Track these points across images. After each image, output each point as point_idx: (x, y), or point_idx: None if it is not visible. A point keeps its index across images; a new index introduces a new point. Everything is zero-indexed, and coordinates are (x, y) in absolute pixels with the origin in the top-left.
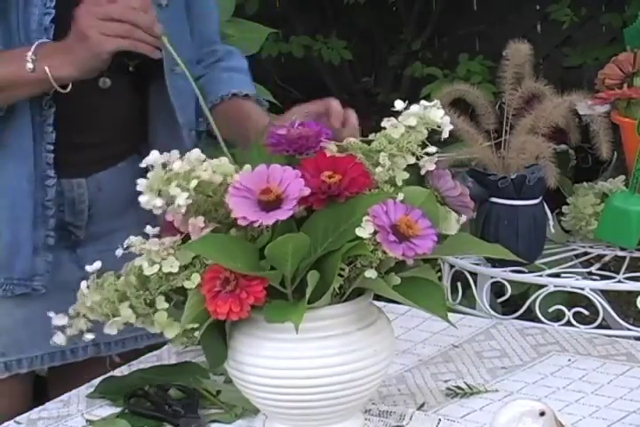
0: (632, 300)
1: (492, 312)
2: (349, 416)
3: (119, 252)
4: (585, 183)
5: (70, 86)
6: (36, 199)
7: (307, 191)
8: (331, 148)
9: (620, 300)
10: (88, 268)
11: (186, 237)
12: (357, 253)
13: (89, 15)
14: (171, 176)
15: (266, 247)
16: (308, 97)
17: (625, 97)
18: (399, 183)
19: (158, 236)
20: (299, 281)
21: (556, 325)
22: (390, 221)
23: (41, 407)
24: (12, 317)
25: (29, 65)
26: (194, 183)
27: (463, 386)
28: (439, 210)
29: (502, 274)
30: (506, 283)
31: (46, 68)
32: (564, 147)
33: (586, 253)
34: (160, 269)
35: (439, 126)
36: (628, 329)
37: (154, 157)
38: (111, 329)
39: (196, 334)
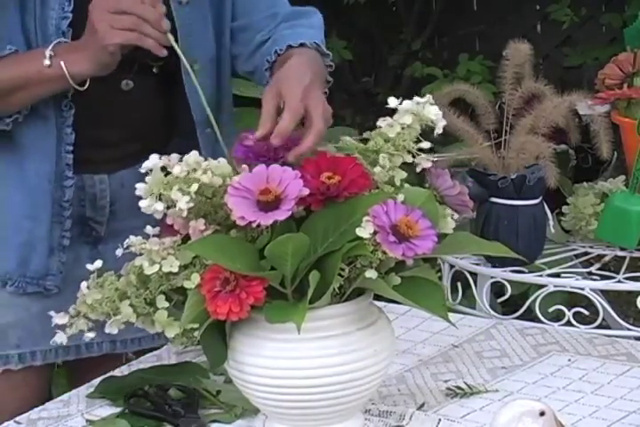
0: (632, 300)
1: (492, 312)
2: (349, 416)
3: (119, 251)
4: (585, 183)
5: (88, 84)
6: (54, 199)
7: (306, 192)
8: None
9: (619, 300)
10: (89, 266)
11: (186, 238)
12: (357, 254)
13: (101, 9)
14: (171, 180)
15: (266, 247)
16: None
17: (625, 97)
18: (397, 183)
19: (158, 236)
20: (298, 281)
21: (556, 325)
22: (390, 222)
23: (41, 407)
24: (28, 310)
25: (46, 61)
26: (194, 187)
27: (463, 386)
28: (438, 209)
29: (502, 274)
30: (506, 283)
31: (62, 64)
32: (563, 147)
33: (586, 253)
34: (160, 269)
35: (432, 122)
36: (628, 329)
37: (152, 161)
38: (112, 328)
39: (196, 333)
